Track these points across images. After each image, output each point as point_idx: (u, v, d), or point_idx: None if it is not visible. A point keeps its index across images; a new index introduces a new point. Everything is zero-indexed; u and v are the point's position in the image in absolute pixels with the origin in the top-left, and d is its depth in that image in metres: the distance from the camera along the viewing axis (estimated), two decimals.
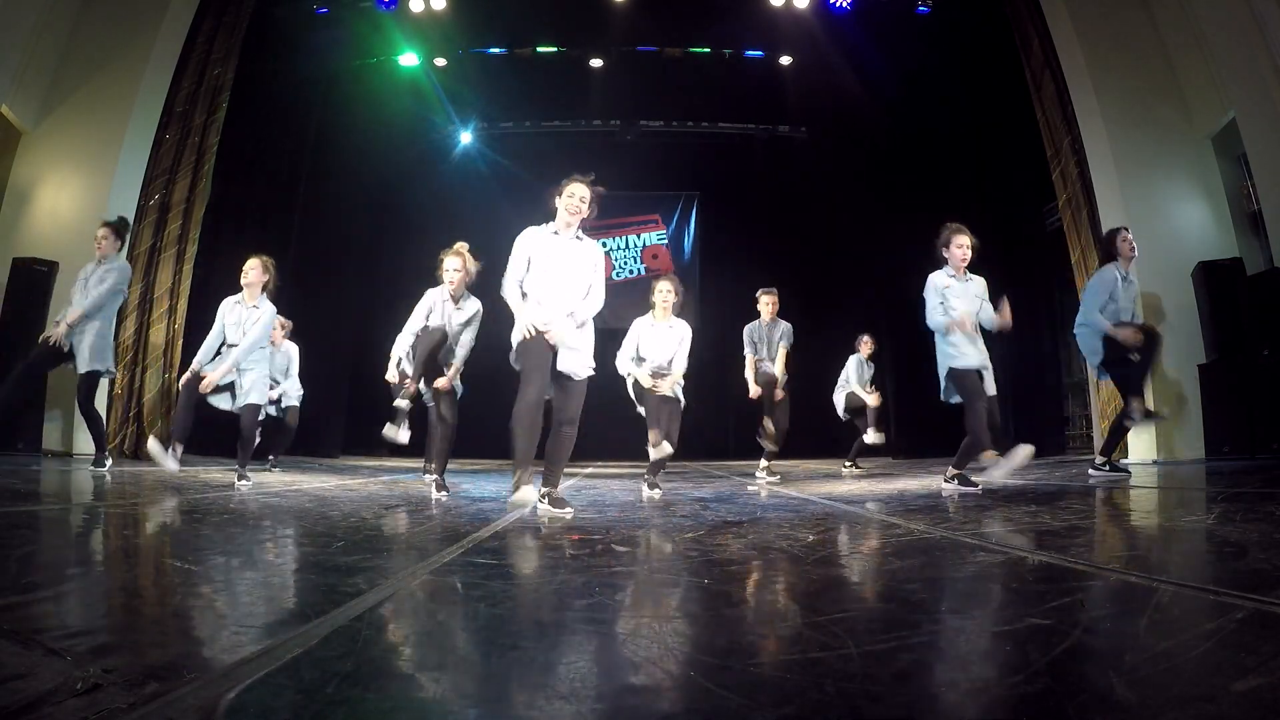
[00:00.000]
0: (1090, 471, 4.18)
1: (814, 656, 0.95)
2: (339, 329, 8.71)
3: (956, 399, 3.69)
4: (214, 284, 5.80)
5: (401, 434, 3.55)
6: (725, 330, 10.45)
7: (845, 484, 4.66)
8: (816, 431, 9.18)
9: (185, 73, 6.58)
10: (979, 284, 3.80)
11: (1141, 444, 5.47)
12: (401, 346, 3.84)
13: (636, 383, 3.92)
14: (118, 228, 4.58)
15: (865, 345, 6.49)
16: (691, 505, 3.29)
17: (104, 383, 5.91)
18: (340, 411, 8.75)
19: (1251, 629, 1.01)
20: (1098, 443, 6.14)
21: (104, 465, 4.31)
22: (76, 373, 4.37)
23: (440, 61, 8.77)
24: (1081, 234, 6.25)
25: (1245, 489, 3.07)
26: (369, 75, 8.81)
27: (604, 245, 10.92)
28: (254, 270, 4.10)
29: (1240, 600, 1.15)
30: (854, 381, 6.39)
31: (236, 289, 4.14)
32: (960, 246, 3.70)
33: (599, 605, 1.33)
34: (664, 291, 3.97)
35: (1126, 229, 4.40)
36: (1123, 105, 5.91)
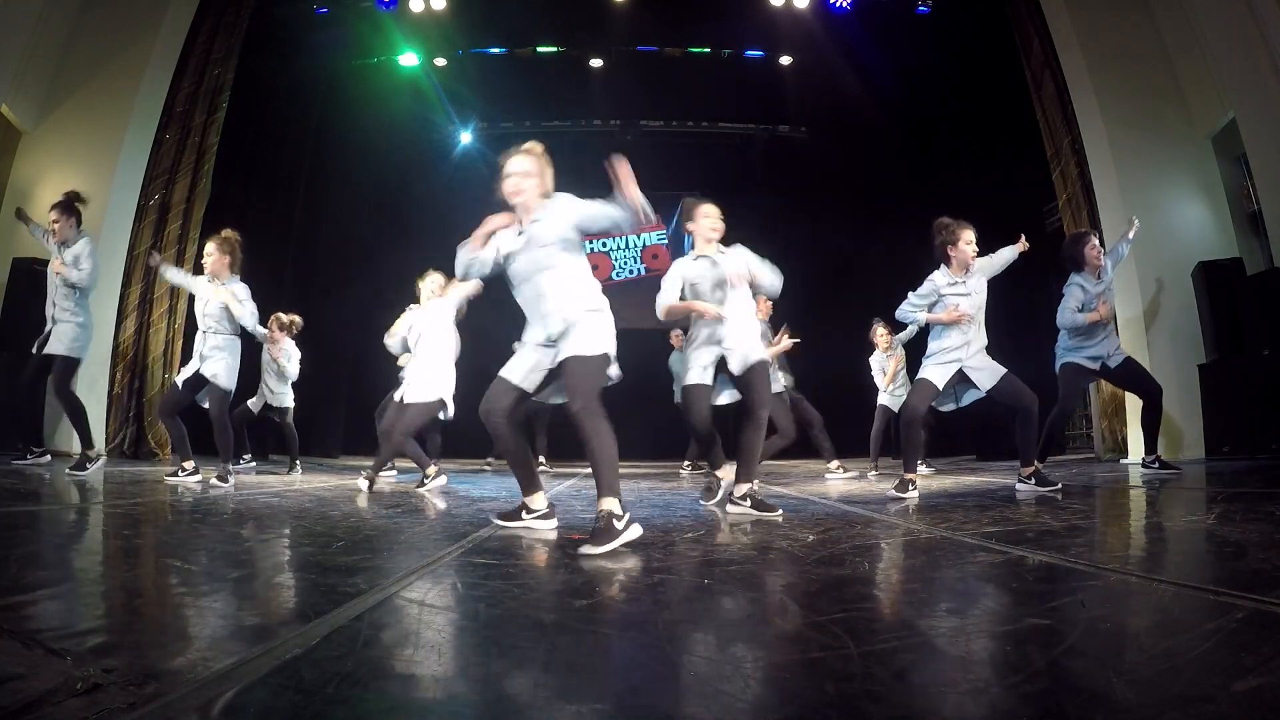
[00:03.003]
0: (1142, 470, 4.14)
1: (814, 656, 0.95)
2: (339, 329, 8.70)
3: (950, 406, 3.65)
4: None
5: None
6: None
7: (845, 484, 4.66)
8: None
9: (185, 73, 6.57)
10: (981, 283, 3.54)
11: (1141, 444, 5.47)
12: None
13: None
14: (66, 204, 4.23)
15: (879, 337, 6.00)
16: (692, 505, 3.29)
17: (103, 383, 5.94)
18: (340, 411, 8.74)
19: (1251, 629, 1.01)
20: (1098, 442, 6.15)
21: (87, 468, 3.99)
22: (58, 355, 4.18)
23: (440, 61, 8.76)
24: None
25: (1245, 489, 3.07)
26: (369, 75, 8.81)
27: (604, 246, 10.92)
28: (210, 257, 4.00)
29: (1240, 600, 1.15)
30: (887, 375, 5.87)
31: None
32: (969, 243, 3.45)
33: (599, 605, 1.33)
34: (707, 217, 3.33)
35: (1095, 236, 4.30)
36: (1123, 105, 5.91)
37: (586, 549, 1.86)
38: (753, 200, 10.61)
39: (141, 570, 1.63)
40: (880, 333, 6.04)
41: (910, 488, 3.33)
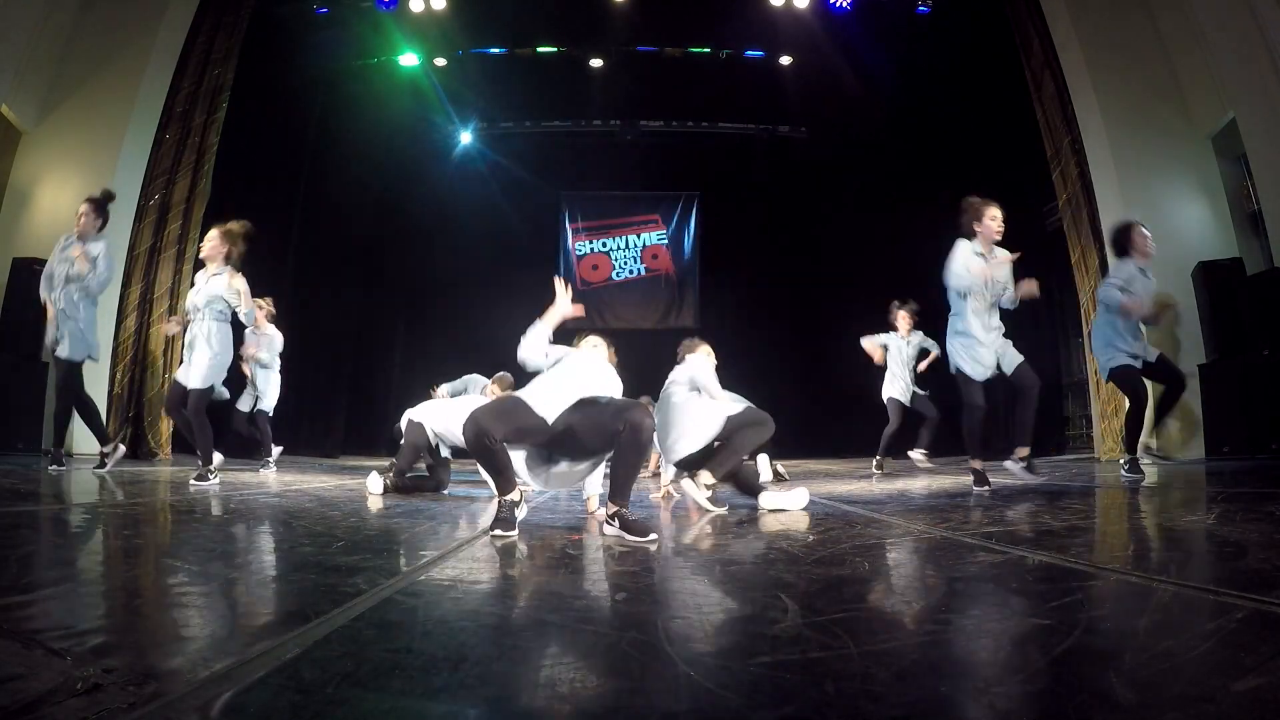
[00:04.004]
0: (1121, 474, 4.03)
1: (814, 656, 0.95)
2: (339, 329, 8.71)
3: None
4: None
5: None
6: (724, 329, 10.46)
7: (845, 484, 4.65)
8: (816, 431, 9.19)
9: (185, 73, 6.58)
10: (1005, 259, 3.62)
11: (1141, 443, 5.47)
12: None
13: None
14: (100, 202, 4.23)
15: (903, 320, 5.80)
16: (691, 506, 3.29)
17: (103, 383, 5.94)
18: (340, 411, 8.75)
19: (1251, 629, 1.01)
20: (1098, 442, 6.15)
21: (106, 464, 4.06)
22: (62, 359, 4.15)
23: (440, 61, 8.76)
24: (1081, 234, 6.25)
25: (1245, 489, 3.07)
26: (369, 75, 8.81)
27: (604, 245, 10.91)
28: (209, 243, 4.00)
29: (1240, 600, 1.15)
30: (899, 374, 5.72)
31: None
32: (994, 219, 3.55)
33: (599, 604, 1.33)
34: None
35: (1142, 225, 4.23)
36: (1123, 105, 5.91)
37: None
38: (752, 200, 10.63)
39: (141, 570, 1.63)
40: (903, 315, 5.87)
41: (986, 478, 3.50)
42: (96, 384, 5.87)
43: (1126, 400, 5.52)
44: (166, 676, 0.84)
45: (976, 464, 3.60)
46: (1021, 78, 6.78)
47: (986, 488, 3.48)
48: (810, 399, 9.67)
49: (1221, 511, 2.29)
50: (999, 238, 3.59)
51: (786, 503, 3.01)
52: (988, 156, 7.90)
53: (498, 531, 2.16)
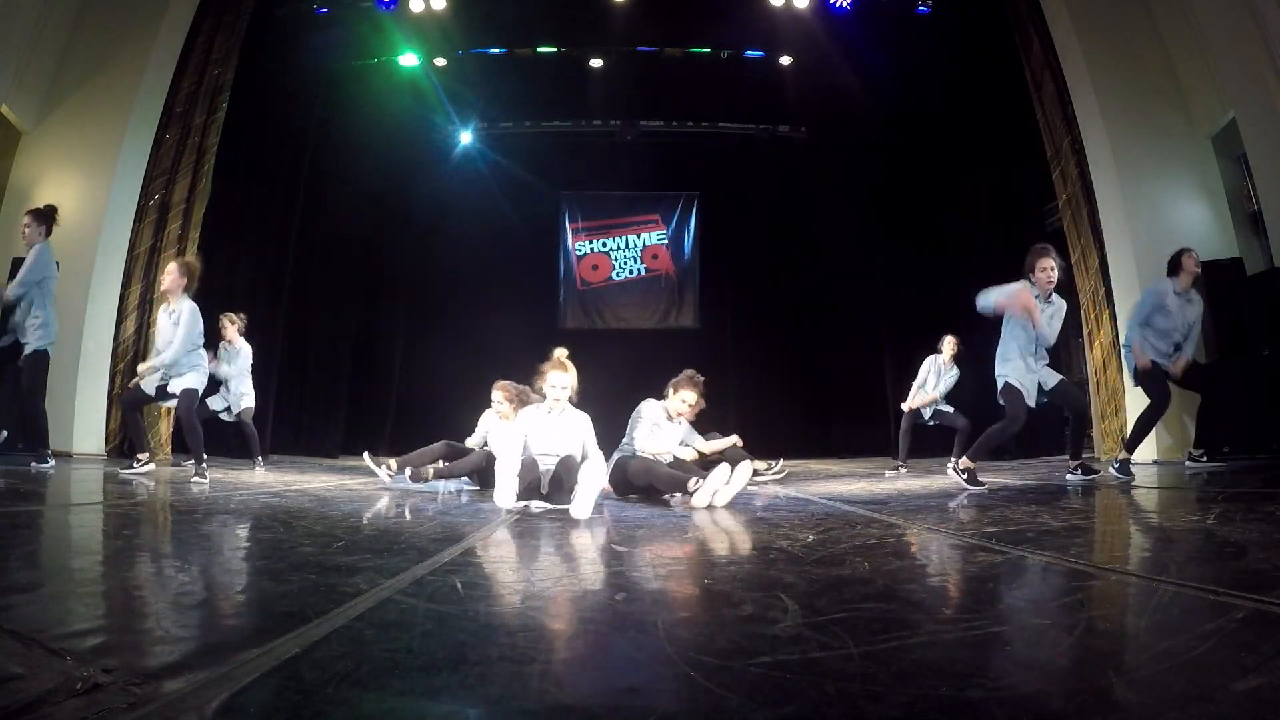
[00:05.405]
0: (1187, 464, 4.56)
1: (814, 656, 0.95)
2: (338, 328, 8.70)
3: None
4: (213, 284, 5.77)
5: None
6: (724, 330, 10.46)
7: (845, 484, 4.65)
8: (817, 431, 9.19)
9: (185, 73, 6.57)
10: (1060, 308, 3.86)
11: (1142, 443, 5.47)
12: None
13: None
14: (42, 215, 4.38)
15: (949, 346, 5.88)
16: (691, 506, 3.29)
17: (103, 383, 5.94)
18: (340, 411, 8.73)
19: (1251, 629, 1.01)
20: (1098, 443, 6.15)
21: (48, 462, 4.15)
22: (24, 354, 4.22)
23: (440, 61, 8.75)
24: (1081, 234, 6.25)
25: (1245, 489, 3.07)
26: (369, 75, 8.80)
27: (604, 245, 10.91)
28: (169, 276, 4.15)
29: (1240, 600, 1.15)
30: (930, 388, 5.85)
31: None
32: (1044, 270, 3.71)
33: (599, 604, 1.33)
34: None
35: (1193, 251, 4.43)
36: (1123, 105, 5.91)
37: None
38: (752, 200, 10.62)
39: (141, 570, 1.63)
40: (949, 341, 5.90)
41: (979, 479, 3.68)
42: (97, 384, 5.89)
43: (1127, 399, 5.56)
44: (166, 676, 0.84)
45: (969, 463, 3.72)
46: (1021, 78, 6.78)
47: (982, 487, 3.55)
48: (810, 399, 9.67)
49: (1221, 511, 2.29)
50: (1050, 288, 3.79)
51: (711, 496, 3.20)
52: (988, 156, 7.90)
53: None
